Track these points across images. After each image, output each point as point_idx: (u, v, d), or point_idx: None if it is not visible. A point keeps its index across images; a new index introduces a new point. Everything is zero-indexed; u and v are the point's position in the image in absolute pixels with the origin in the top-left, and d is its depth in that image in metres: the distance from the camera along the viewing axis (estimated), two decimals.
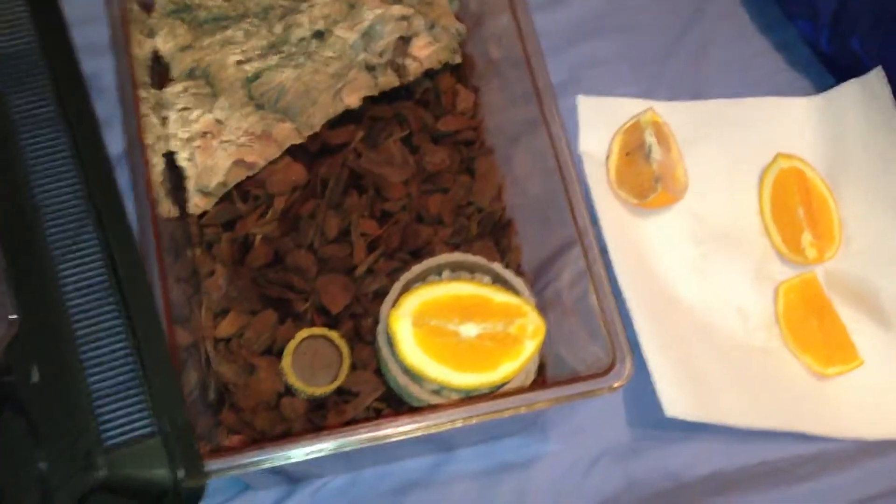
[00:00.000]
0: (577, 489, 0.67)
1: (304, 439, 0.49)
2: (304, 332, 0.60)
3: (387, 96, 0.67)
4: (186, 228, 0.63)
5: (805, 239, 0.74)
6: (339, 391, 0.60)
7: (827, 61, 0.82)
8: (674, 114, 0.78)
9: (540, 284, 0.63)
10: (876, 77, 0.75)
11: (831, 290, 0.74)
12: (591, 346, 0.56)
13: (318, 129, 0.64)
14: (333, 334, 0.60)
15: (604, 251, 0.70)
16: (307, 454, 0.49)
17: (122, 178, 0.56)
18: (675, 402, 0.64)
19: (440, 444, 0.66)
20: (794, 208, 0.75)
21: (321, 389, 0.59)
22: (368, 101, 0.66)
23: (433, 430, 0.51)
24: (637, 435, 0.69)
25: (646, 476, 0.67)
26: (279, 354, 0.60)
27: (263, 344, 0.61)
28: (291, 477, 0.64)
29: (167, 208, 0.59)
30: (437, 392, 0.58)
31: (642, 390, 0.66)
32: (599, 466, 0.67)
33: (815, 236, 0.74)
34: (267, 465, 0.48)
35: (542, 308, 0.60)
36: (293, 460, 0.49)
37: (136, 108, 0.57)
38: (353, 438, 0.50)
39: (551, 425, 0.68)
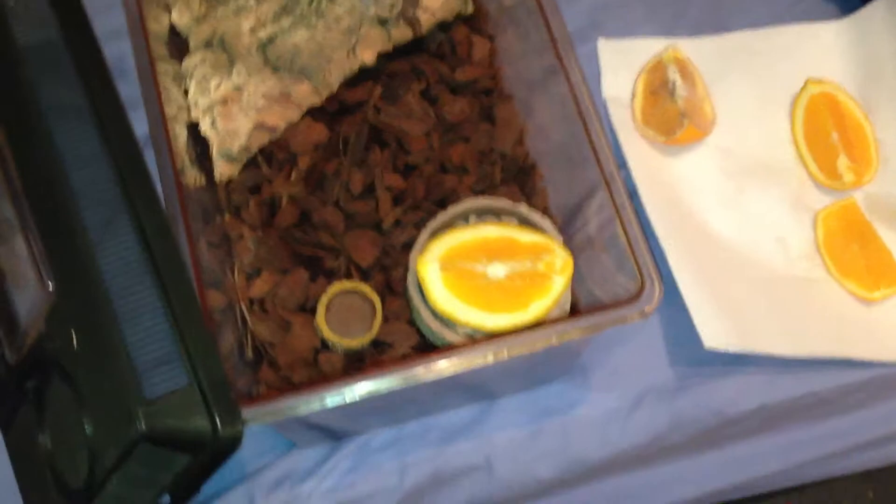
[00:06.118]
0: (623, 430, 0.66)
1: (337, 382, 0.49)
2: (335, 287, 0.60)
3: (402, 51, 0.67)
4: (215, 195, 0.64)
5: (841, 163, 0.72)
6: (374, 343, 0.60)
7: None
8: (697, 49, 0.77)
9: (570, 230, 0.63)
10: None
11: (872, 214, 0.72)
12: (621, 279, 0.55)
13: (335, 88, 0.65)
14: (364, 287, 0.60)
15: (633, 194, 0.69)
16: (342, 397, 0.49)
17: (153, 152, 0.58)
18: (714, 333, 0.63)
19: (482, 393, 0.66)
20: (828, 133, 0.73)
21: (356, 342, 0.59)
22: (384, 57, 0.66)
23: (465, 368, 0.51)
24: (680, 373, 0.68)
25: (691, 413, 0.67)
26: (313, 311, 0.61)
27: (297, 301, 0.61)
28: (335, 434, 0.65)
29: (193, 177, 0.60)
30: (470, 336, 0.58)
31: (683, 328, 0.65)
32: (644, 406, 0.67)
33: (851, 160, 0.72)
34: (302, 410, 0.49)
35: (574, 251, 0.59)
36: (329, 405, 0.49)
37: (154, 80, 0.58)
38: (387, 378, 0.49)
39: (592, 369, 0.68)
